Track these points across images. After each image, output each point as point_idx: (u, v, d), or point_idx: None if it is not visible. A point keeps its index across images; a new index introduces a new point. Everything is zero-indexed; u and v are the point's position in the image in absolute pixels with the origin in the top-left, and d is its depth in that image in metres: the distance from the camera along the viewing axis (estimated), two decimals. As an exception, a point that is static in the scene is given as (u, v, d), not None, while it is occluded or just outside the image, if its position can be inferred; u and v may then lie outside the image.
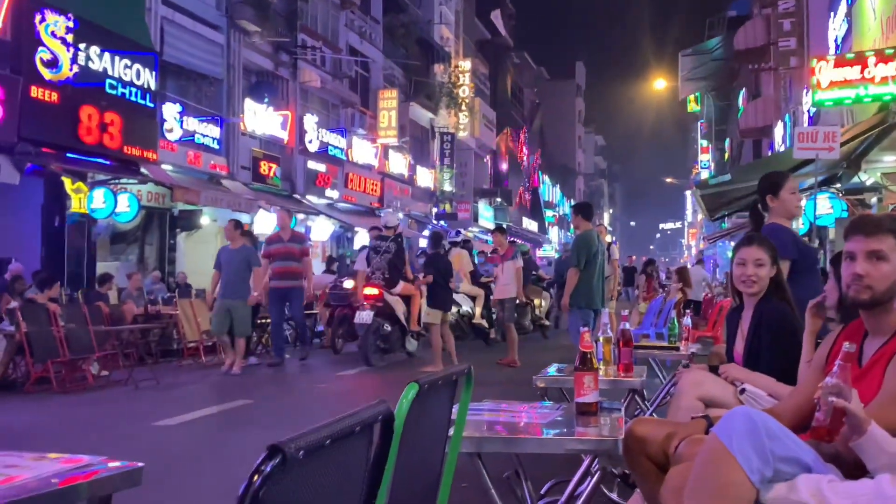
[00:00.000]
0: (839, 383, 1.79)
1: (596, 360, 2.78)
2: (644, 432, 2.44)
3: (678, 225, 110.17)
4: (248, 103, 17.86)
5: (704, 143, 43.37)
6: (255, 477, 0.96)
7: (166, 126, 14.91)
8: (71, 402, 7.50)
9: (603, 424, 2.57)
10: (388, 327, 9.90)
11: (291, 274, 10.08)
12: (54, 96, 11.76)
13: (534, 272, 15.99)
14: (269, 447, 0.98)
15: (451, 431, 1.91)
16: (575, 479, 2.71)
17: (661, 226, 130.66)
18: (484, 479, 2.42)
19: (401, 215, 13.06)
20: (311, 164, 20.30)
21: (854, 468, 1.86)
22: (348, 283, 11.31)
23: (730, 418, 1.85)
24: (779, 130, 22.25)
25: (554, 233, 56.57)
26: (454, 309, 11.54)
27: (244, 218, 17.58)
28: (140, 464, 1.81)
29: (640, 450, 2.42)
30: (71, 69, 12.07)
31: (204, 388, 8.44)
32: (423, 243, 25.57)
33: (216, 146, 16.57)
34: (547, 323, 14.90)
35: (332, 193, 21.28)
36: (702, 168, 42.15)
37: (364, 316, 9.53)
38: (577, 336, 2.85)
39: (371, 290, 9.72)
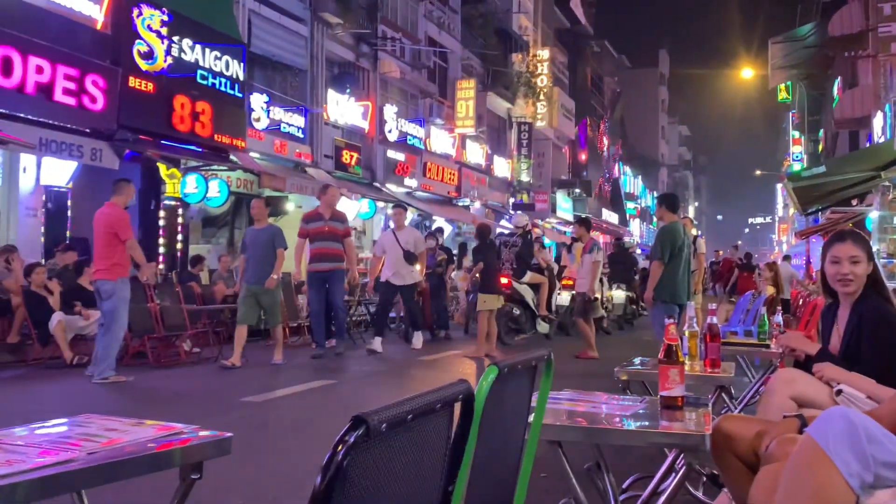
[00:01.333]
0: None
1: (682, 354, 2.65)
2: (732, 429, 2.36)
3: (768, 220, 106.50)
4: (331, 94, 18.23)
5: (796, 134, 41.26)
6: (339, 447, 0.97)
7: (254, 115, 15.32)
8: (165, 375, 7.86)
9: (689, 419, 2.47)
10: (516, 311, 11.66)
11: (332, 256, 9.37)
12: (150, 86, 12.27)
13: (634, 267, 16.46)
14: (353, 418, 0.99)
15: (531, 418, 1.88)
16: (659, 474, 2.64)
17: (750, 220, 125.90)
18: (565, 468, 2.38)
19: (525, 218, 13.17)
20: (391, 154, 20.54)
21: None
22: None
23: (826, 419, 1.76)
24: (878, 121, 21.05)
25: (635, 225, 55.47)
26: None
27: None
28: (229, 434, 1.87)
29: (728, 447, 2.34)
30: (165, 60, 12.58)
31: (289, 367, 8.63)
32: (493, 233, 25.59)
33: (301, 135, 16.95)
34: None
35: (411, 182, 21.47)
36: (794, 160, 40.01)
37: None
38: (662, 330, 2.77)
39: (502, 280, 11.08)
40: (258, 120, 15.48)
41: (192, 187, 12.95)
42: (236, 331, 8.63)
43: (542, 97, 31.66)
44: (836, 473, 1.66)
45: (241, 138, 14.29)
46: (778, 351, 4.33)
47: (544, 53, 32.34)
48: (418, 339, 10.72)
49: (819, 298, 7.45)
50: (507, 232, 13.99)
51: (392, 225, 11.02)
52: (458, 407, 1.32)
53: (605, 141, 46.64)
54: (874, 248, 3.28)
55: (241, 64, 14.27)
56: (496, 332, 10.08)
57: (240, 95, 14.31)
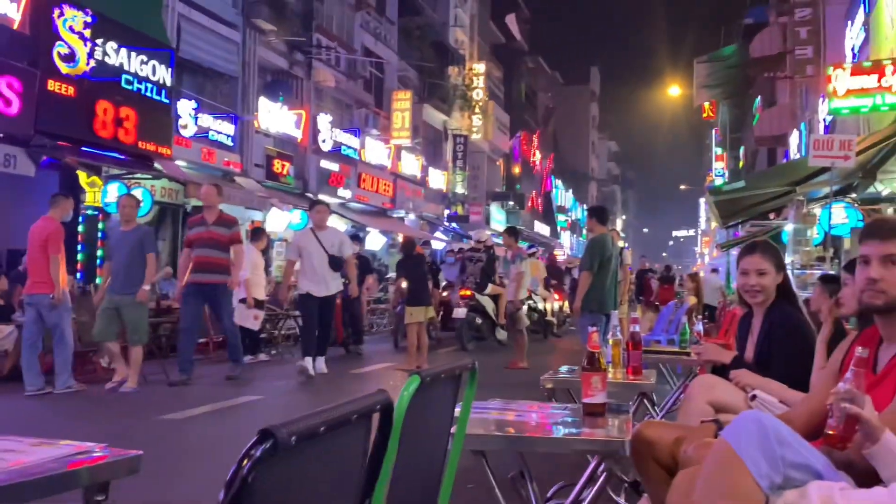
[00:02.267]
0: (852, 389, 1.75)
1: (604, 361, 2.73)
2: (653, 435, 2.40)
3: (692, 233, 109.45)
4: (263, 101, 17.93)
5: (719, 150, 43.01)
6: (245, 461, 0.93)
7: (181, 122, 14.95)
8: (80, 392, 7.50)
9: (611, 426, 2.52)
10: (479, 320, 12.70)
11: (215, 266, 8.13)
12: (71, 90, 11.82)
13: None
14: (260, 431, 0.95)
15: (455, 429, 1.88)
16: (581, 481, 2.66)
17: (675, 233, 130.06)
18: (489, 478, 2.38)
19: (486, 233, 14.97)
20: (325, 164, 20.36)
21: (867, 476, 1.81)
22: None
23: (739, 422, 1.81)
24: (794, 139, 22.12)
25: (566, 237, 56.46)
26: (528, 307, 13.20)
27: (257, 216, 17.73)
28: (139, 452, 1.79)
29: (649, 453, 2.38)
30: (87, 64, 12.13)
31: (212, 383, 8.41)
32: (435, 245, 25.63)
33: (230, 143, 16.63)
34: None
35: (345, 193, 21.34)
36: (716, 175, 41.75)
37: (460, 311, 12.44)
38: (587, 337, 2.81)
39: (465, 292, 12.60)
40: (185, 127, 15.12)
41: (114, 196, 12.49)
42: (104, 349, 8.02)
43: (477, 110, 32.10)
44: (748, 474, 1.69)
45: (166, 146, 13.89)
46: (697, 360, 4.53)
47: (480, 67, 32.76)
48: (321, 364, 8.96)
49: (737, 308, 7.70)
50: (466, 247, 15.43)
51: (311, 224, 9.44)
52: (376, 418, 1.30)
53: (538, 155, 47.48)
54: (788, 260, 3.44)
55: (169, 69, 13.90)
56: (426, 343, 10.12)
57: (166, 101, 13.93)
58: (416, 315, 9.77)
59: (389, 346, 12.92)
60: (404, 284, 11.06)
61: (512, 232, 11.27)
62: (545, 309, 15.24)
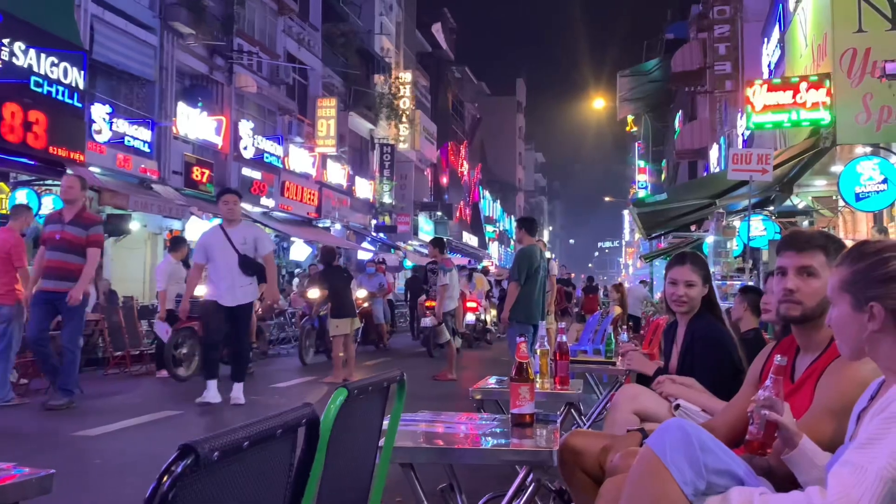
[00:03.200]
0: (771, 396, 1.78)
1: (532, 372, 2.74)
2: (580, 444, 2.42)
3: (616, 244, 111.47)
4: (181, 107, 17.46)
5: (642, 163, 43.96)
6: (165, 478, 0.89)
7: (95, 127, 14.42)
8: (19, 406, 7.15)
9: (539, 436, 2.53)
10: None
11: (66, 272, 7.00)
12: (-26, 91, 11.23)
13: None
14: (181, 447, 0.91)
15: (383, 441, 1.85)
16: (510, 492, 2.66)
17: (600, 244, 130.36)
18: (417, 491, 2.35)
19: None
20: (246, 171, 19.94)
21: (786, 481, 1.85)
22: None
23: (663, 431, 1.82)
24: (714, 152, 22.64)
25: (494, 248, 56.85)
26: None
27: (175, 224, 17.21)
28: (51, 471, 1.71)
29: (576, 462, 2.40)
30: (-7, 64, 11.56)
31: (129, 398, 8.08)
32: (361, 255, 25.53)
33: (147, 149, 16.13)
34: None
35: (268, 202, 20.96)
36: (639, 188, 42.61)
37: (427, 321, 13.03)
38: (515, 348, 2.81)
39: (430, 303, 12.81)
40: (99, 132, 14.59)
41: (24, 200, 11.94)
42: None
43: (404, 119, 32.10)
44: (672, 482, 1.71)
45: (79, 151, 13.35)
46: (623, 368, 4.47)
47: (406, 76, 32.83)
48: (238, 392, 7.44)
49: (662, 318, 7.60)
50: (419, 262, 16.03)
51: (219, 220, 8.00)
52: (302, 432, 1.27)
53: (466, 165, 47.87)
54: (711, 271, 3.60)
55: (82, 72, 13.35)
56: (353, 355, 9.99)
57: (79, 105, 13.37)
58: (342, 327, 9.69)
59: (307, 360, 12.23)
60: (314, 295, 11.23)
61: (437, 243, 11.26)
62: (486, 319, 16.60)
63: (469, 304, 15.44)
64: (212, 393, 7.23)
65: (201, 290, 7.97)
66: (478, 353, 14.83)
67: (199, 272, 7.69)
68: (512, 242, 58.33)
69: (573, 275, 27.61)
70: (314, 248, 23.02)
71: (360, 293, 14.13)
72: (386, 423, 1.87)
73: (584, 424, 4.36)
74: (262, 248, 7.50)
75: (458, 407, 3.71)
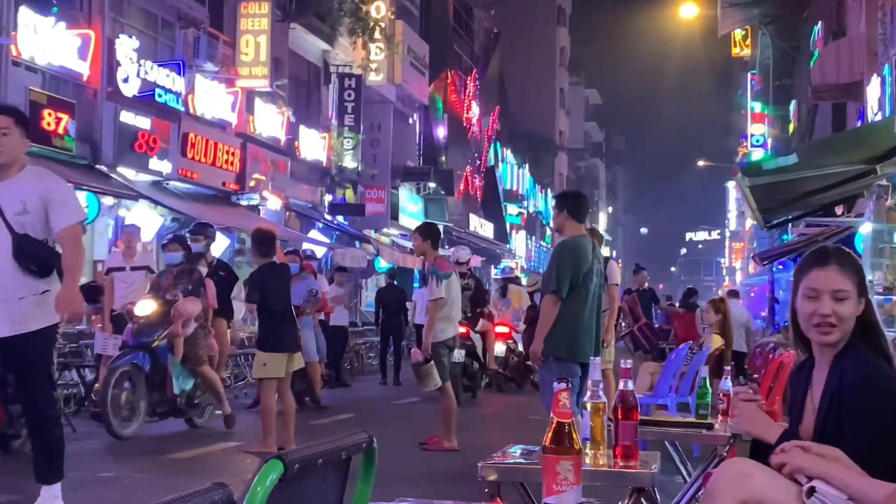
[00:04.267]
0: None
1: (579, 438, 2.24)
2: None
3: (715, 235, 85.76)
4: (25, 13, 13.64)
5: (757, 106, 34.58)
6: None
7: None
8: None
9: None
10: (476, 365, 11.80)
11: None
12: None
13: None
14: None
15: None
16: None
17: (689, 235, 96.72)
18: None
19: (467, 251, 12.73)
20: (127, 118, 15.55)
21: None
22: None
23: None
24: (873, 89, 17.74)
25: (520, 239, 41.57)
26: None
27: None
28: None
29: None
30: None
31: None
32: (317, 250, 20.32)
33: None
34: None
35: (162, 166, 16.31)
36: (753, 145, 34.15)
37: (457, 355, 10.45)
38: (551, 399, 2.25)
39: (461, 330, 10.53)
40: None
41: None
42: None
43: (377, 35, 24.63)
44: None
45: None
46: (726, 434, 3.86)
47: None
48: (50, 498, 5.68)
49: (787, 353, 6.83)
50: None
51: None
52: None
53: (476, 108, 35.61)
54: (867, 279, 2.95)
55: None
56: (293, 409, 8.09)
57: None
58: (273, 367, 7.78)
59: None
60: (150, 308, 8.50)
61: (427, 233, 8.38)
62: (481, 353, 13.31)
63: (499, 329, 13.19)
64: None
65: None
66: (503, 401, 12.32)
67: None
68: (548, 232, 43.82)
69: (661, 286, 22.37)
70: (233, 238, 17.66)
71: None
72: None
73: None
74: (60, 218, 5.34)
75: (461, 493, 3.27)
